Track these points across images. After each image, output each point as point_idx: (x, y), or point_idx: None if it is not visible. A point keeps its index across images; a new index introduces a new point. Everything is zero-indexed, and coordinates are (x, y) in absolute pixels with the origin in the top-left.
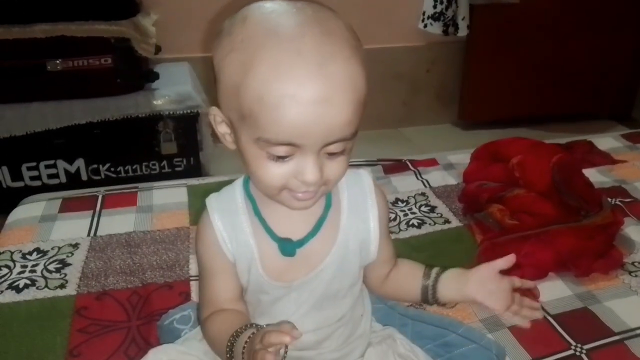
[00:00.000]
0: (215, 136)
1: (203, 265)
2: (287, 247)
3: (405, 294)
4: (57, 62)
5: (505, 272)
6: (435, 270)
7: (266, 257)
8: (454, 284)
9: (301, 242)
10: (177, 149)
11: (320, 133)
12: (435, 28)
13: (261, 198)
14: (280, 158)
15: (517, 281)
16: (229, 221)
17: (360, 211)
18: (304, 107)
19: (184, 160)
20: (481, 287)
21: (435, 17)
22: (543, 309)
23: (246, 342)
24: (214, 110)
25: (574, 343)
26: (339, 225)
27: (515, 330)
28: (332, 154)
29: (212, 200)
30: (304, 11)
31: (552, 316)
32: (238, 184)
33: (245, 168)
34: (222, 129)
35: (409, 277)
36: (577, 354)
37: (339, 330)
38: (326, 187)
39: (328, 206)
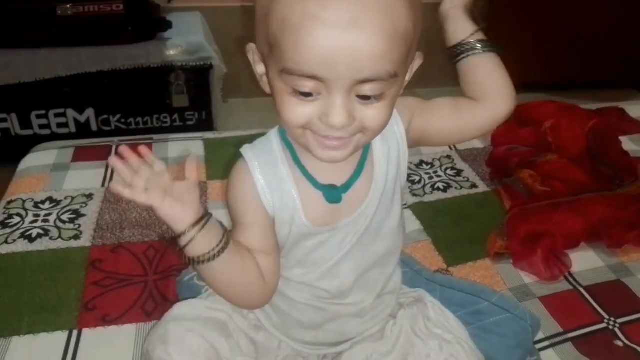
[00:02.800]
0: (225, 90)
1: (235, 217)
2: (333, 194)
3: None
4: (68, 6)
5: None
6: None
7: (309, 206)
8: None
9: (346, 187)
10: (188, 102)
11: (346, 64)
12: None
13: (299, 147)
14: (305, 96)
15: None
16: (270, 172)
17: (389, 136)
18: (328, 30)
19: (196, 114)
20: None
21: None
22: (575, 279)
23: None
24: (251, 46)
25: (606, 316)
26: (373, 160)
27: (545, 300)
28: (366, 98)
29: (248, 151)
30: None
31: (583, 287)
32: (273, 133)
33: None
34: (260, 69)
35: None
36: (611, 327)
37: (375, 282)
38: (364, 137)
39: (368, 146)
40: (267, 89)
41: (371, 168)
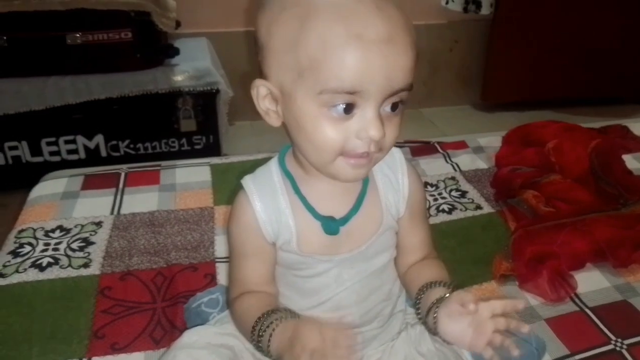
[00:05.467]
0: (232, 113)
1: (236, 246)
2: (331, 225)
3: (410, 297)
4: (77, 35)
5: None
6: (430, 290)
7: (306, 236)
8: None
9: (344, 220)
10: (196, 126)
11: (384, 76)
12: (456, 5)
13: (300, 176)
14: (346, 111)
15: (499, 306)
16: (269, 202)
17: (395, 187)
18: (370, 47)
19: (203, 138)
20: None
21: None
22: (581, 300)
23: (272, 325)
24: (257, 82)
25: (613, 337)
26: (381, 205)
27: (552, 322)
28: (394, 108)
29: (248, 182)
30: None
31: (590, 308)
32: (273, 163)
33: (296, 138)
34: (266, 105)
35: (414, 283)
36: (618, 349)
37: (380, 312)
38: (380, 154)
39: (366, 183)
40: (275, 123)
41: (378, 212)
